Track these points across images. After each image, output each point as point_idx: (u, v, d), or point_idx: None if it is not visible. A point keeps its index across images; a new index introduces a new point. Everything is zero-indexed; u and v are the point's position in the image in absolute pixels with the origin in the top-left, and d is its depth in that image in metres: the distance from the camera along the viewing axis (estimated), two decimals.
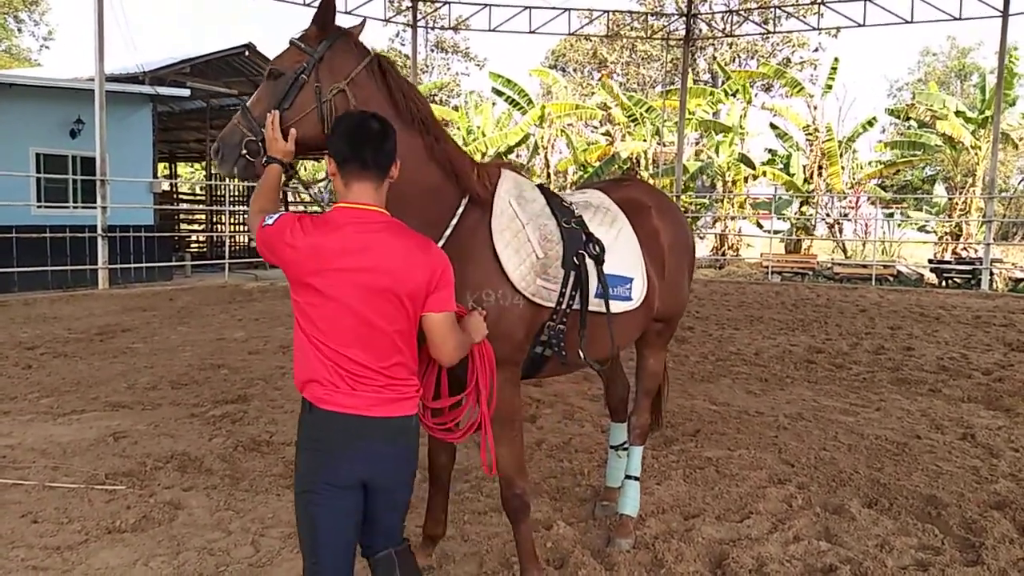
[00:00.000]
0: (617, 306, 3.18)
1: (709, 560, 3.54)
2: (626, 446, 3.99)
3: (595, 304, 3.08)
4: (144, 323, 10.11)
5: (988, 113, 21.89)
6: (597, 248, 3.09)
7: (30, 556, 3.46)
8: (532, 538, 3.12)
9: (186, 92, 17.40)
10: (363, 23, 2.94)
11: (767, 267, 20.14)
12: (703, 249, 27.61)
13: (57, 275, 13.85)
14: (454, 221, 2.78)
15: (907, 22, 18.83)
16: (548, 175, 29.50)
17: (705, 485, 4.47)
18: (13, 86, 14.23)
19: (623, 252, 3.26)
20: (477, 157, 28.81)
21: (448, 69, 48.67)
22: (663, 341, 3.92)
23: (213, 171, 28.79)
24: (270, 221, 2.28)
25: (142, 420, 5.64)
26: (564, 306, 2.96)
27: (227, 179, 28.34)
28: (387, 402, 2.27)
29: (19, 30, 42.89)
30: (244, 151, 2.65)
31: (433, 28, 33.56)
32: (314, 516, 2.26)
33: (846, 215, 24.98)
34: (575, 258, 2.97)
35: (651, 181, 26.24)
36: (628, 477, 3.84)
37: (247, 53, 18.72)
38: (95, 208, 13.93)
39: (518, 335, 2.86)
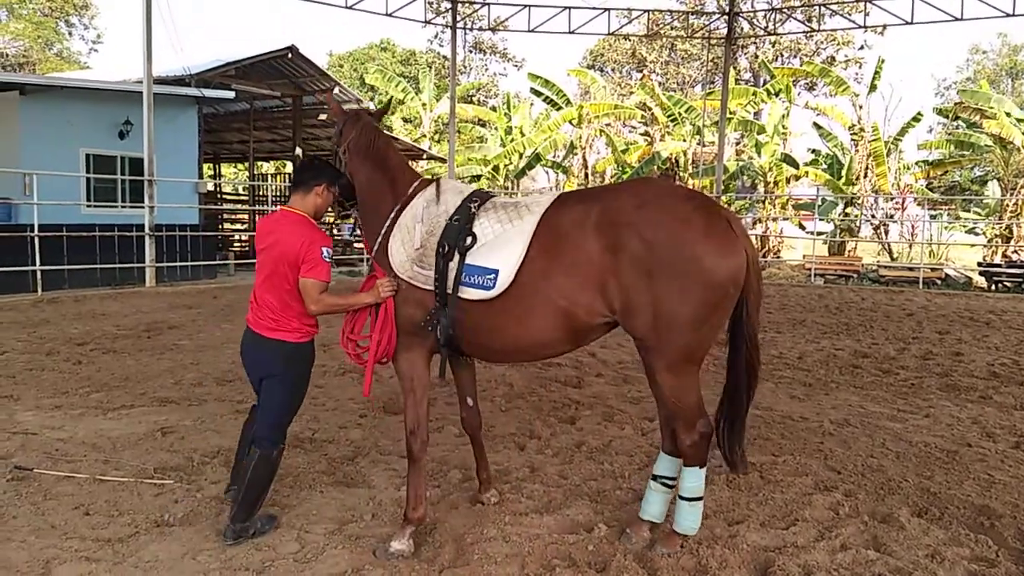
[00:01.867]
0: (469, 293, 3.49)
1: (754, 567, 3.49)
2: (664, 479, 3.73)
3: (466, 292, 3.50)
4: (190, 320, 10.32)
5: None
6: (468, 240, 3.53)
7: (83, 547, 3.55)
8: (417, 482, 3.68)
9: (231, 94, 17.72)
10: (386, 105, 4.38)
11: (810, 269, 19.78)
12: None
13: (106, 273, 14.21)
14: (387, 223, 3.82)
15: (956, 19, 18.34)
16: (586, 175, 29.40)
17: (749, 491, 4.40)
18: (64, 88, 14.64)
19: (498, 246, 3.48)
20: (515, 157, 28.97)
21: (486, 70, 48.84)
22: (662, 359, 3.36)
23: (256, 172, 29.29)
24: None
25: (189, 416, 5.75)
26: (436, 290, 3.56)
27: (268, 179, 28.78)
28: (270, 329, 3.70)
29: (69, 34, 44.12)
30: None
31: (472, 29, 33.67)
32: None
33: (892, 216, 24.41)
34: (440, 248, 3.55)
35: (691, 182, 25.98)
36: (681, 498, 3.60)
37: (290, 55, 19.00)
38: (143, 207, 14.26)
39: (406, 310, 3.63)
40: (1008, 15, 17.90)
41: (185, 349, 8.38)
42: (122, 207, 15.22)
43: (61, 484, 4.31)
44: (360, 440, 5.23)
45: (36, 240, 12.59)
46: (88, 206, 14.73)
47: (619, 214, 3.37)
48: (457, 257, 3.51)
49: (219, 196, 27.49)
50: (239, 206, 27.94)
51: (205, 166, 24.63)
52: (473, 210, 3.61)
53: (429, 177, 4.09)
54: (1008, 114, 23.07)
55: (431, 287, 3.56)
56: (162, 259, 14.87)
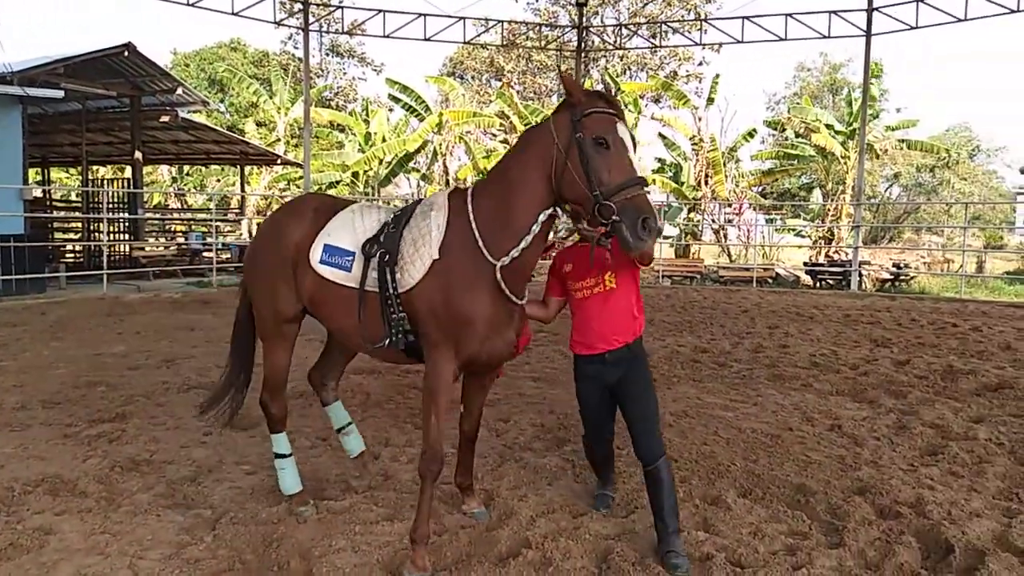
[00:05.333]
0: None
1: (595, 556, 3.66)
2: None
3: None
4: (13, 339, 9.44)
5: (856, 126, 23.56)
6: None
7: None
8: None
9: (60, 93, 16.35)
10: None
11: (658, 271, 20.89)
12: None
13: None
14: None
15: (781, 39, 20.02)
16: (447, 181, 29.51)
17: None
18: None
19: None
20: (375, 164, 28.60)
21: (344, 74, 47.90)
22: None
23: (91, 176, 27.21)
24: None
25: (10, 442, 5.27)
26: None
27: (105, 185, 26.84)
28: None
29: None
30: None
31: (327, 32, 32.98)
32: None
33: (730, 221, 26.25)
34: None
35: None
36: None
37: (127, 53, 17.83)
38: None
39: None
40: (824, 36, 19.76)
41: (7, 370, 7.66)
42: None
43: None
44: (203, 459, 5.00)
45: None
46: None
47: None
48: None
49: (49, 203, 25.30)
50: (72, 214, 25.86)
51: (32, 171, 22.65)
52: None
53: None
54: (829, 127, 25.44)
55: None
56: None
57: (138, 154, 20.67)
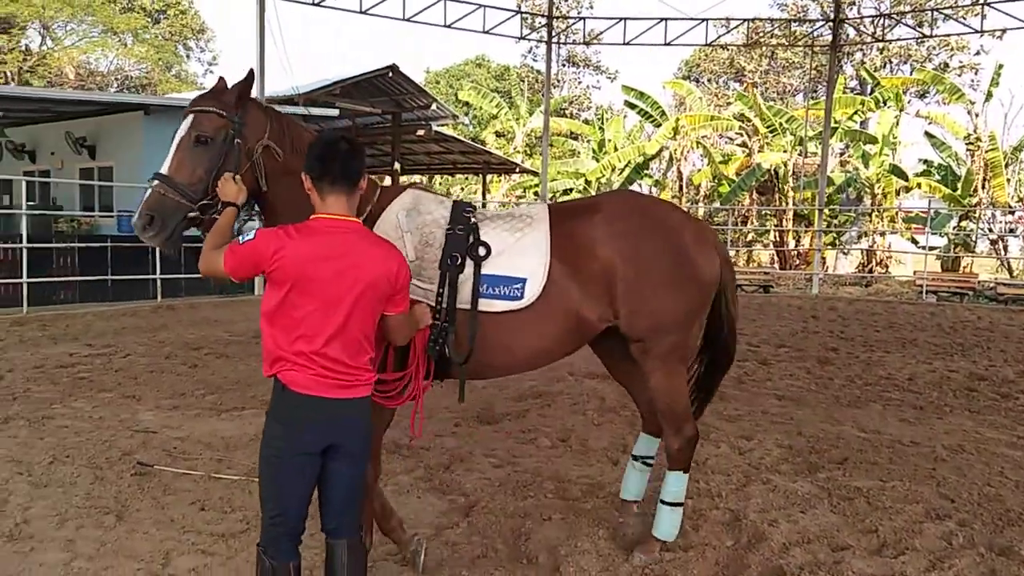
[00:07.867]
0: (494, 305, 3.27)
1: None
2: (649, 460, 4.05)
3: (490, 304, 3.25)
4: None
5: None
6: (483, 251, 3.26)
7: (199, 541, 3.78)
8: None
9: (335, 112, 18.47)
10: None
11: (921, 286, 18.78)
12: (848, 266, 26.19)
13: (218, 281, 15.02)
14: None
15: None
16: (680, 187, 28.94)
17: (855, 517, 4.22)
18: (184, 108, 15.63)
19: (515, 255, 3.32)
20: (608, 171, 28.81)
21: (579, 83, 48.89)
22: (656, 359, 3.51)
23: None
24: (248, 237, 2.63)
25: None
26: (444, 305, 3.19)
27: None
28: (346, 387, 2.61)
29: (187, 56, 46.99)
30: (185, 220, 3.23)
31: (566, 44, 33.87)
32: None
33: (1012, 231, 22.90)
34: (449, 259, 3.20)
35: (791, 194, 25.21)
36: (663, 502, 3.69)
37: (391, 74, 19.65)
38: (254, 220, 15.02)
39: None
40: None
41: None
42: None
43: (179, 480, 4.59)
44: (455, 449, 5.33)
45: (156, 250, 13.43)
46: None
47: (622, 224, 3.48)
48: (470, 268, 3.25)
49: None
50: None
51: None
52: (473, 219, 3.35)
53: (392, 185, 3.64)
54: None
55: (431, 302, 3.21)
56: None
57: (396, 165, 22.67)
